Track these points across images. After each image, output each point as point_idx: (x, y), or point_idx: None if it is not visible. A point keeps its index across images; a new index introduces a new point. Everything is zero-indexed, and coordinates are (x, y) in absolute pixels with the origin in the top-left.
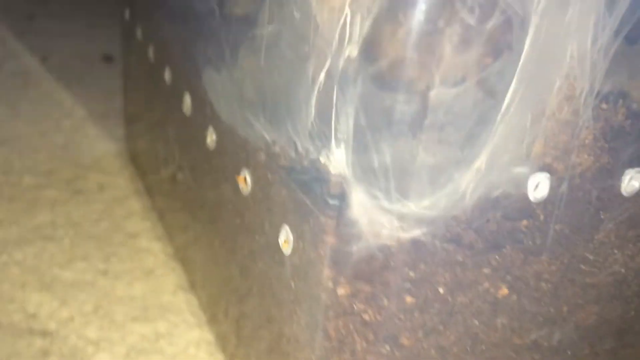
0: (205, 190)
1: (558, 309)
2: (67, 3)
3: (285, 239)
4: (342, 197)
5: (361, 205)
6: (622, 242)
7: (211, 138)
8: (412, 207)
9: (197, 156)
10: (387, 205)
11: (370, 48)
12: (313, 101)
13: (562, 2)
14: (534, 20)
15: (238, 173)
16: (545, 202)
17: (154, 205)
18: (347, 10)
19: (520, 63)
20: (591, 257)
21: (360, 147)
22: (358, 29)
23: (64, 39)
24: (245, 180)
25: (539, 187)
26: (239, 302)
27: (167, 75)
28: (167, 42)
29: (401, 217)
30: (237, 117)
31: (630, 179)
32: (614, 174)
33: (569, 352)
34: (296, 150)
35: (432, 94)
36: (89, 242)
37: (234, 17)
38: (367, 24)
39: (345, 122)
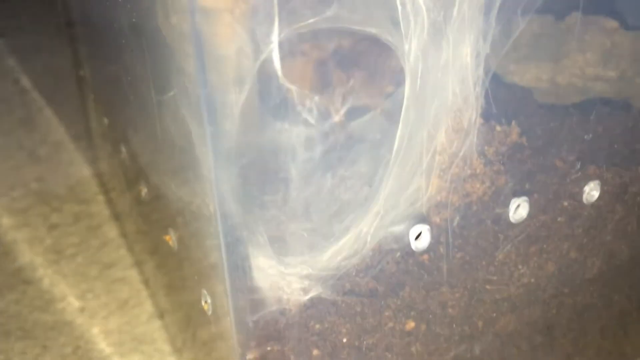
0: (152, 233)
1: (473, 326)
2: (39, 14)
3: (205, 300)
4: (244, 263)
5: (261, 270)
6: (525, 258)
7: (144, 192)
8: (311, 267)
9: (139, 202)
10: (285, 269)
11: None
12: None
13: (435, 45)
14: (409, 67)
15: (166, 232)
16: (443, 235)
17: (126, 231)
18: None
19: (404, 106)
20: (495, 278)
21: (253, 208)
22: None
23: (36, 55)
24: (172, 240)
25: (420, 237)
26: (193, 339)
27: (106, 120)
28: (105, 85)
29: (301, 278)
30: (160, 177)
31: (517, 207)
32: (505, 200)
33: (495, 356)
34: (209, 212)
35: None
36: (66, 280)
37: (139, 83)
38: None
39: (237, 181)
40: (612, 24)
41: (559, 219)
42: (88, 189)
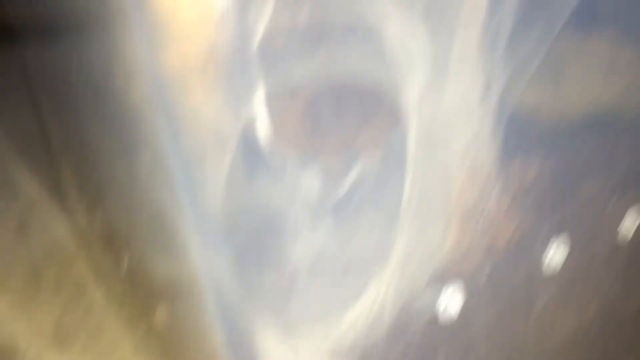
0: (137, 308)
1: None
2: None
3: None
4: (246, 341)
5: (268, 351)
6: (567, 303)
7: (125, 263)
8: (326, 341)
9: (122, 273)
10: (298, 347)
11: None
12: None
13: (437, 88)
14: (411, 114)
15: (153, 311)
16: (472, 289)
17: (112, 290)
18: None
19: (411, 154)
20: (534, 331)
21: (251, 282)
22: None
23: (4, 109)
24: (160, 319)
25: (450, 300)
26: None
27: (75, 183)
28: (73, 150)
29: (315, 355)
30: (142, 250)
31: (553, 252)
32: (535, 245)
33: None
34: (199, 290)
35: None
36: (51, 354)
37: (106, 151)
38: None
39: (228, 252)
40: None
41: (598, 255)
42: (67, 252)
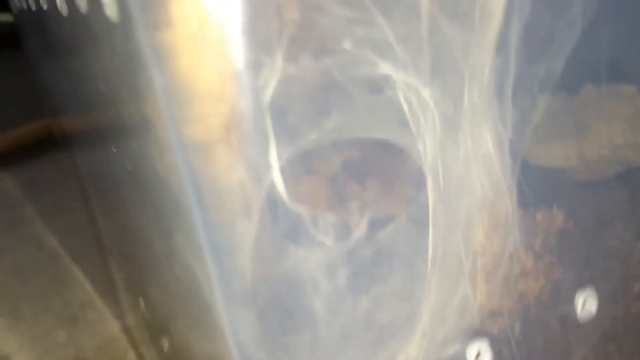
0: None
1: None
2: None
3: None
4: None
5: None
6: (607, 355)
7: (166, 347)
8: None
9: (163, 358)
10: None
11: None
12: None
13: (452, 139)
14: (427, 167)
15: None
16: (505, 348)
17: None
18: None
19: (430, 210)
20: None
21: (279, 354)
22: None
23: (60, 216)
24: None
25: (480, 356)
26: None
27: (123, 274)
28: (116, 239)
29: None
30: (178, 330)
31: (584, 302)
32: (568, 295)
33: None
34: None
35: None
36: None
37: (144, 232)
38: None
39: (255, 325)
40: (629, 89)
41: (632, 303)
42: (117, 346)
